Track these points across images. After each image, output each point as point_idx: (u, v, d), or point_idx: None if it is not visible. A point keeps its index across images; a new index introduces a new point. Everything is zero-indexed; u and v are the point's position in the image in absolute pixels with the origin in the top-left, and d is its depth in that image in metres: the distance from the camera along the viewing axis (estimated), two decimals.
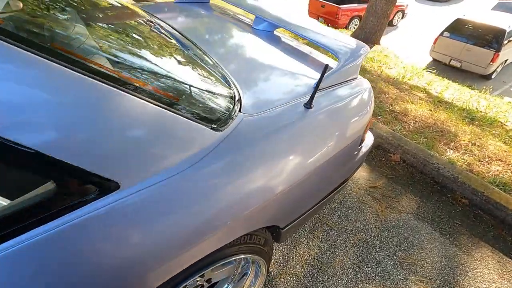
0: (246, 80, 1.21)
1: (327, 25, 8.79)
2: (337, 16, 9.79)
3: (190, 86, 0.95)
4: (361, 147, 1.47)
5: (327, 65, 1.04)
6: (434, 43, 8.34)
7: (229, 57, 1.39)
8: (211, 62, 1.22)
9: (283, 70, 1.36)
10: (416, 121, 2.84)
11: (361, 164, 1.66)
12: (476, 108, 3.66)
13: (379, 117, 2.80)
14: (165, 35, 1.27)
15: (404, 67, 5.16)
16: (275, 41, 1.68)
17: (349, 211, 2.01)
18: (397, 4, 10.85)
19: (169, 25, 1.55)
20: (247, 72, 1.29)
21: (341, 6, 9.66)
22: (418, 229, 1.93)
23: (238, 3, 1.90)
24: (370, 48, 6.12)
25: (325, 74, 1.26)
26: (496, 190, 2.07)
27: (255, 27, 1.79)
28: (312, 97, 1.09)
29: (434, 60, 8.62)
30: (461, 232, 1.95)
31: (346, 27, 9.70)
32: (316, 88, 1.07)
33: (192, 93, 0.93)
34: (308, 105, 1.11)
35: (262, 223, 1.06)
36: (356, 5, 9.92)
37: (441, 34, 8.17)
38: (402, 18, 11.33)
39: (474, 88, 5.16)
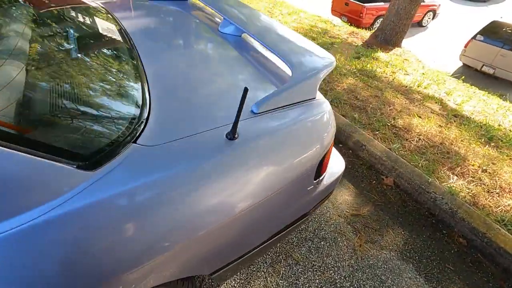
0: (169, 98, 1.02)
1: (350, 25, 8.36)
2: (361, 15, 9.32)
3: (60, 110, 0.76)
4: (320, 179, 1.23)
5: (246, 89, 0.82)
6: (465, 46, 7.69)
7: (166, 67, 1.20)
8: (131, 74, 1.03)
9: (225, 86, 1.15)
10: (419, 139, 2.51)
11: (327, 197, 1.41)
12: (499, 125, 3.23)
13: (377, 133, 2.50)
14: (86, 37, 1.10)
15: (423, 73, 4.73)
16: (237, 47, 1.47)
17: (322, 242, 1.76)
18: (428, 3, 10.19)
19: (119, 25, 1.39)
20: (177, 87, 1.09)
21: (366, 4, 9.17)
22: (399, 271, 1.66)
23: (209, 2, 1.71)
24: (390, 51, 5.69)
25: (271, 93, 1.05)
26: (502, 232, 1.73)
27: (221, 31, 1.59)
28: (234, 126, 0.88)
29: (464, 65, 7.96)
30: (452, 279, 1.65)
31: (370, 27, 9.18)
32: (238, 115, 0.85)
33: (59, 121, 0.75)
34: (230, 135, 0.89)
35: (163, 278, 0.87)
36: (382, 3, 9.38)
37: (474, 37, 7.51)
38: (433, 18, 10.58)
39: (505, 99, 4.63)
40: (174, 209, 0.79)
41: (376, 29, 6.36)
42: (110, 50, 1.12)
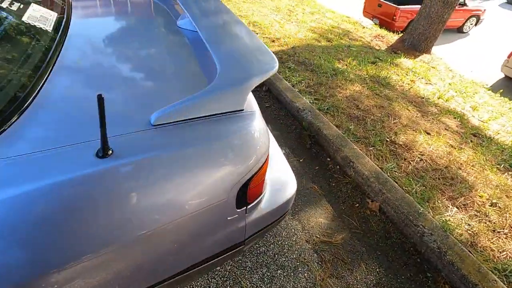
0: (63, 100, 0.87)
1: (381, 27, 7.87)
2: (395, 17, 8.77)
3: None
4: (249, 207, 1.03)
5: (100, 97, 0.65)
6: (509, 57, 6.92)
7: (88, 62, 1.07)
8: (25, 68, 0.90)
9: (136, 89, 0.97)
10: (421, 160, 2.18)
11: (271, 225, 1.20)
12: None
13: (371, 148, 2.22)
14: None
15: (450, 84, 4.28)
16: (183, 44, 1.30)
17: (279, 271, 1.55)
18: (471, 8, 9.35)
19: (63, 11, 1.30)
20: (82, 87, 0.94)
21: (400, 6, 8.60)
22: None
23: None
24: (416, 57, 5.24)
25: (179, 102, 0.86)
26: (499, 285, 1.41)
27: (178, 25, 1.44)
28: (102, 141, 0.71)
29: (506, 77, 7.19)
30: None
31: (403, 31, 8.60)
32: (102, 129, 0.68)
33: None
34: (102, 152, 0.72)
35: None
36: (419, 6, 8.72)
37: None
38: (476, 24, 9.70)
39: None
40: (14, 244, 0.64)
41: (404, 32, 5.89)
42: (13, 38, 1.00)
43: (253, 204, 1.04)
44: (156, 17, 1.58)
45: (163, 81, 1.02)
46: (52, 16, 1.29)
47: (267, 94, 2.98)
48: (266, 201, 1.15)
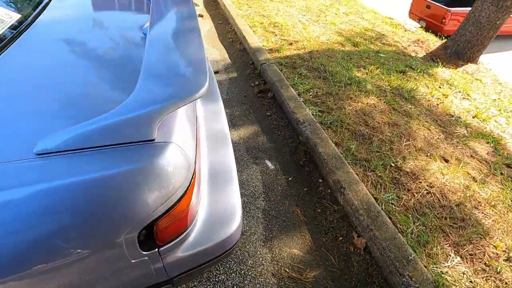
0: None
1: (426, 31, 7.21)
2: (444, 20, 8.04)
3: None
4: (163, 249, 0.89)
5: None
6: None
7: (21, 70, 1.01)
8: None
9: (30, 107, 0.87)
10: (428, 193, 1.88)
11: (209, 263, 1.05)
12: None
13: (369, 174, 1.95)
14: None
15: (495, 100, 3.77)
16: (138, 54, 1.19)
17: None
18: None
19: (28, 12, 1.28)
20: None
21: (451, 9, 7.84)
22: None
23: None
24: (459, 67, 4.68)
25: (73, 128, 0.75)
26: None
27: (143, 31, 1.34)
28: None
29: None
30: None
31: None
32: None
33: None
34: None
35: None
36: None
37: None
38: None
39: None
40: None
41: (447, 39, 5.30)
42: None
43: (168, 246, 0.90)
44: (129, 20, 1.49)
45: (75, 100, 0.92)
46: (11, 18, 1.26)
47: (271, 102, 2.80)
48: (199, 237, 1.01)
